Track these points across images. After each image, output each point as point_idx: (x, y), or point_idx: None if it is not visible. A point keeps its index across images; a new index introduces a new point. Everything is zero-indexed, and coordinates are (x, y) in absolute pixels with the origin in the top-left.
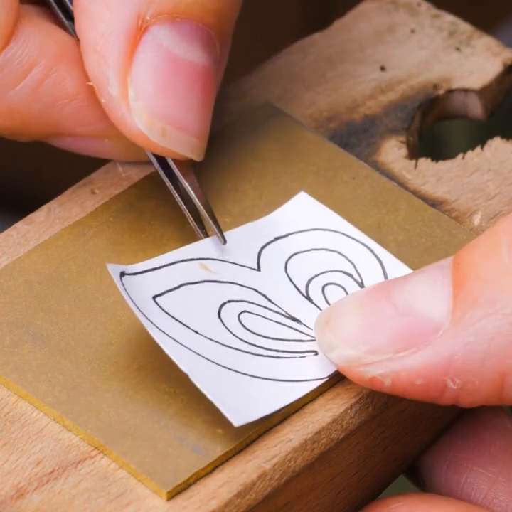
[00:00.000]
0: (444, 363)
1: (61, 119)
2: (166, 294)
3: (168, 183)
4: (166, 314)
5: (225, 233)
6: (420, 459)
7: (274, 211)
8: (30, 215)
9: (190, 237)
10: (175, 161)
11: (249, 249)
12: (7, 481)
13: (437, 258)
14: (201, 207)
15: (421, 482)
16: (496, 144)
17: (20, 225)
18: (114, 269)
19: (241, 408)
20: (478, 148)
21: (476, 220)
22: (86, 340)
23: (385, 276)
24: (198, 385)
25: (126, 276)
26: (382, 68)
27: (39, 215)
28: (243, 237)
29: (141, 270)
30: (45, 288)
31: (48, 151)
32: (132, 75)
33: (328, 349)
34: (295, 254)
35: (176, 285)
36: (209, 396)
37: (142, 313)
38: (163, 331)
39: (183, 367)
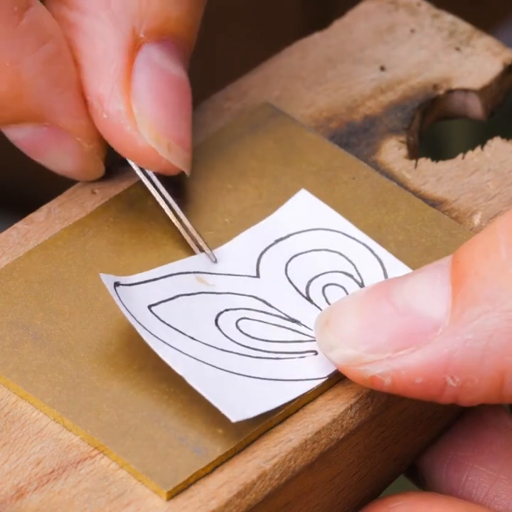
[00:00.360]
0: (444, 360)
1: (57, 102)
2: (162, 304)
3: (158, 197)
4: (161, 322)
5: (225, 244)
6: (420, 458)
7: (276, 211)
8: (30, 215)
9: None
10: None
11: (249, 257)
12: (7, 481)
13: (437, 258)
14: (190, 226)
15: (421, 481)
16: (496, 143)
17: (20, 225)
18: (107, 279)
19: (239, 405)
20: (478, 148)
21: (476, 220)
22: (86, 340)
23: (386, 277)
24: (194, 385)
25: (120, 286)
26: (382, 68)
27: (39, 215)
28: (243, 246)
29: (135, 281)
30: (45, 288)
31: None
32: (133, 91)
33: (328, 349)
34: (295, 255)
35: (171, 296)
36: (205, 395)
37: (137, 320)
38: (158, 338)
39: (179, 370)
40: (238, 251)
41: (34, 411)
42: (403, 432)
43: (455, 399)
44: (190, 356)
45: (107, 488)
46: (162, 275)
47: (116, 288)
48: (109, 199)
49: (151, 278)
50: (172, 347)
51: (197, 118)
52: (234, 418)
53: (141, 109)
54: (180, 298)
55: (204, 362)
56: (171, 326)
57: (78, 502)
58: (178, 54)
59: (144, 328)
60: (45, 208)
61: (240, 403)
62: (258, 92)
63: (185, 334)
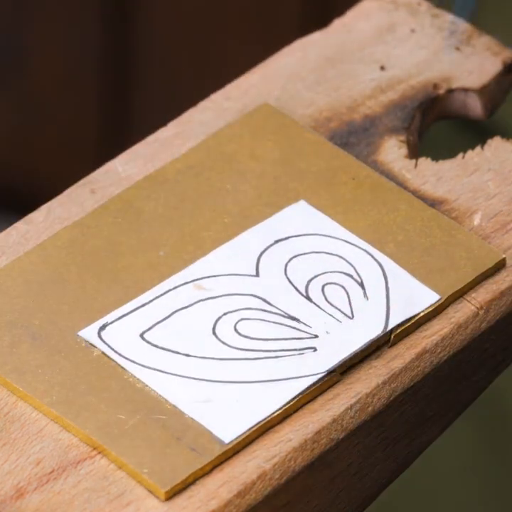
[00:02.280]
0: None
1: None
2: (156, 326)
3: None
4: (154, 348)
5: (224, 245)
6: None
7: (273, 216)
8: (30, 215)
9: (190, 238)
10: None
11: (248, 256)
12: (7, 481)
13: (437, 258)
14: None
15: None
16: (496, 143)
17: (20, 225)
18: (91, 331)
19: (233, 420)
20: (478, 148)
21: (476, 219)
22: (85, 340)
23: (385, 278)
24: (186, 411)
25: (107, 327)
26: (382, 68)
27: (39, 215)
28: (241, 245)
29: (126, 312)
30: (45, 288)
31: (47, 150)
32: None
33: None
34: (295, 256)
35: (167, 314)
36: (198, 419)
37: (126, 358)
38: (149, 367)
39: (170, 399)
40: (237, 251)
41: (33, 411)
42: (403, 432)
43: None
44: (184, 377)
45: (107, 488)
46: (158, 294)
47: (102, 333)
48: (109, 199)
49: (146, 301)
50: (165, 372)
51: (197, 118)
52: (227, 439)
53: None
54: (176, 313)
55: (199, 379)
56: (165, 349)
57: (78, 502)
58: None
59: (133, 362)
60: (44, 208)
61: (235, 417)
62: (258, 92)
63: (180, 353)
